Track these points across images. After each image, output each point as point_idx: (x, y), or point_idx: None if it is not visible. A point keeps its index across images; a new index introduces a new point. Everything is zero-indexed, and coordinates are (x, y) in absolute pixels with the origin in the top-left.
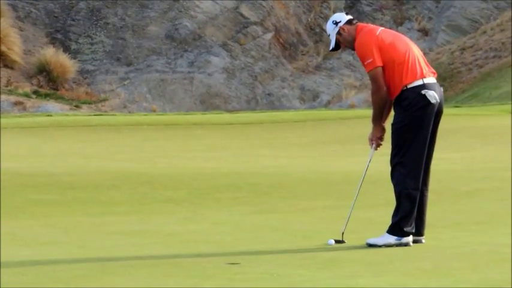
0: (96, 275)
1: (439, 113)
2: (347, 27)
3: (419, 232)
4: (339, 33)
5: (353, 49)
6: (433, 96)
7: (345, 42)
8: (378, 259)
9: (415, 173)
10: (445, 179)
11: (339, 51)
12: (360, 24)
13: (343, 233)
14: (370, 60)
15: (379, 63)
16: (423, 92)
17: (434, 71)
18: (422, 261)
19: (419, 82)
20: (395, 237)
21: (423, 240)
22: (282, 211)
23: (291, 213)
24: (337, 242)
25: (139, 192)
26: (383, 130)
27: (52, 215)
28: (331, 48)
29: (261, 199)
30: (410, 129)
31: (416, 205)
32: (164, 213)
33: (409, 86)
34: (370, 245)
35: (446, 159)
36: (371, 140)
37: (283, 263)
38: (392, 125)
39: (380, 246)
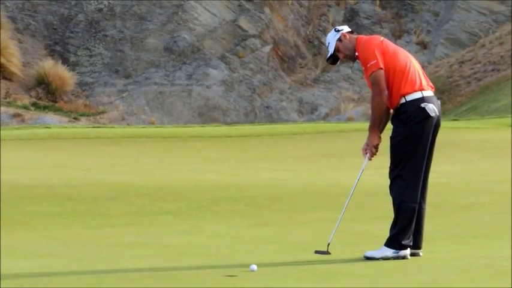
0: (94, 287)
1: (437, 127)
2: (348, 35)
3: (417, 245)
4: (339, 39)
5: (352, 59)
6: (433, 109)
7: (344, 50)
8: (375, 272)
9: (413, 186)
10: (443, 192)
11: (337, 64)
12: (361, 35)
13: (328, 244)
14: (373, 62)
15: (382, 65)
16: (423, 105)
17: (432, 85)
18: (420, 274)
19: (418, 95)
20: (393, 250)
21: (421, 254)
22: (280, 224)
23: (289, 226)
24: (322, 253)
25: (138, 205)
26: (379, 138)
27: (50, 227)
28: (328, 55)
29: (259, 212)
30: (409, 142)
31: (415, 218)
32: (162, 226)
33: (408, 99)
34: (368, 258)
35: (445, 172)
36: (365, 150)
37: (281, 276)
38: (391, 138)
39: (378, 259)
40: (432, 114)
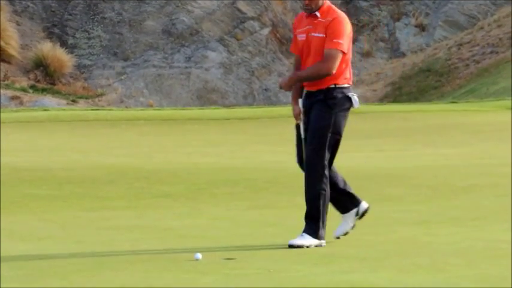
0: (92, 269)
1: None
2: None
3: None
4: None
5: (312, 11)
6: (357, 101)
7: (310, 6)
8: (374, 255)
9: (325, 174)
10: (442, 174)
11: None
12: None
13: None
14: (343, 43)
15: (346, 50)
16: (350, 94)
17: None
18: (419, 257)
19: (347, 85)
20: (316, 237)
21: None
22: (279, 206)
23: (288, 209)
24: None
25: (136, 187)
26: (297, 108)
27: (49, 210)
28: None
29: (258, 194)
30: (330, 129)
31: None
32: (161, 208)
33: (337, 86)
34: (293, 246)
35: (443, 154)
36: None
37: (279, 259)
38: (314, 122)
39: (307, 246)
40: (356, 105)
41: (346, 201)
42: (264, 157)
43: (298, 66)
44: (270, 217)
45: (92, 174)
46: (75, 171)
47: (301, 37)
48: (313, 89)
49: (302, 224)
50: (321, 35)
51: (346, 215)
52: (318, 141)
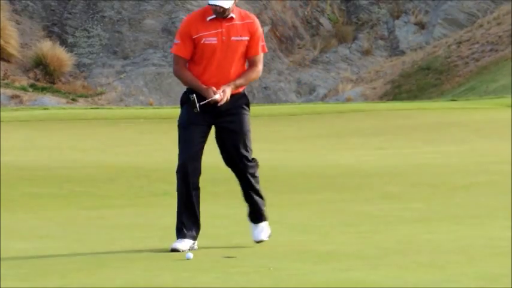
0: (92, 268)
1: None
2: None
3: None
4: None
5: (222, 15)
6: None
7: (228, 11)
8: (374, 253)
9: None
10: (442, 172)
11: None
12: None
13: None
14: (264, 44)
15: None
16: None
17: None
18: (419, 255)
19: None
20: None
21: None
22: (278, 204)
23: (287, 207)
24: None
25: (136, 186)
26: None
27: (49, 209)
28: (226, 6)
29: None
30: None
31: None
32: (161, 207)
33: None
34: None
35: (443, 152)
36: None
37: (279, 257)
38: (244, 125)
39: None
40: None
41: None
42: (264, 155)
43: (186, 69)
44: (269, 215)
45: (91, 172)
46: (75, 170)
47: (211, 41)
48: (233, 92)
49: (302, 221)
50: (245, 38)
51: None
52: (249, 145)
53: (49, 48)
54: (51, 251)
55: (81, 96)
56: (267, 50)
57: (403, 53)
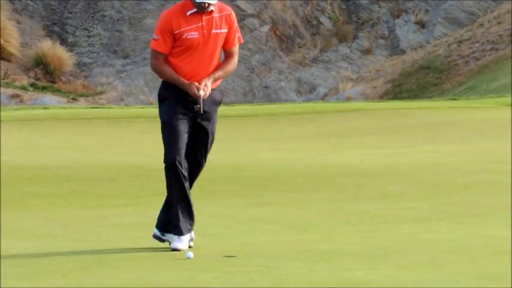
0: (92, 267)
1: None
2: None
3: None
4: None
5: (202, 9)
6: None
7: (213, 6)
8: (374, 252)
9: None
10: (442, 171)
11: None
12: None
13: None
14: (240, 35)
15: None
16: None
17: None
18: (419, 254)
19: None
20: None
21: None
22: (278, 204)
23: (287, 206)
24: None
25: (136, 185)
26: None
27: (49, 208)
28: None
29: (257, 192)
30: None
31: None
32: (161, 206)
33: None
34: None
35: (443, 151)
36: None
37: (280, 256)
38: (214, 123)
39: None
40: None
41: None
42: (264, 154)
43: (167, 63)
44: (269, 214)
45: (92, 172)
46: (75, 169)
47: (193, 35)
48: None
49: (302, 221)
50: (224, 30)
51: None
52: (211, 147)
53: (49, 47)
54: (51, 250)
55: (81, 95)
56: (242, 41)
57: (403, 52)
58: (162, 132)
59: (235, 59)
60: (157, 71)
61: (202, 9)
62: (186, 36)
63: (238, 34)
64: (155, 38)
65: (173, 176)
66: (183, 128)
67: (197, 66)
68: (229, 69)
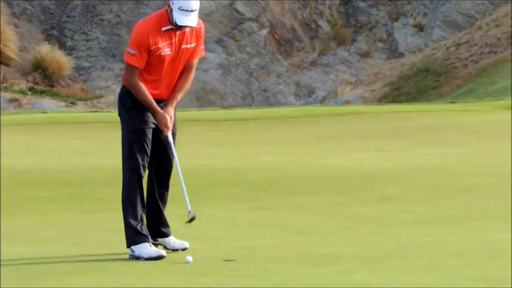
0: (91, 272)
1: None
2: None
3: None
4: None
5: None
6: None
7: None
8: (373, 255)
9: None
10: (441, 174)
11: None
12: None
13: (189, 212)
14: (203, 48)
15: None
16: None
17: None
18: (418, 258)
19: None
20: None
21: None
22: (277, 207)
23: (286, 210)
24: (191, 220)
25: None
26: None
27: (48, 212)
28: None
29: (256, 195)
30: None
31: None
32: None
33: None
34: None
35: (442, 155)
36: (166, 126)
37: (279, 260)
38: (175, 126)
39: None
40: None
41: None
42: (263, 158)
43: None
44: (269, 218)
45: (90, 176)
46: (74, 174)
47: (166, 51)
48: (166, 97)
49: (301, 224)
50: (193, 45)
51: None
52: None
53: (48, 51)
54: (50, 254)
55: (80, 99)
56: (204, 54)
57: (402, 55)
58: (129, 138)
59: (193, 75)
60: (132, 86)
61: (179, 28)
62: (159, 52)
63: (202, 47)
64: (132, 52)
65: (136, 185)
66: (149, 138)
67: (164, 81)
68: (188, 88)
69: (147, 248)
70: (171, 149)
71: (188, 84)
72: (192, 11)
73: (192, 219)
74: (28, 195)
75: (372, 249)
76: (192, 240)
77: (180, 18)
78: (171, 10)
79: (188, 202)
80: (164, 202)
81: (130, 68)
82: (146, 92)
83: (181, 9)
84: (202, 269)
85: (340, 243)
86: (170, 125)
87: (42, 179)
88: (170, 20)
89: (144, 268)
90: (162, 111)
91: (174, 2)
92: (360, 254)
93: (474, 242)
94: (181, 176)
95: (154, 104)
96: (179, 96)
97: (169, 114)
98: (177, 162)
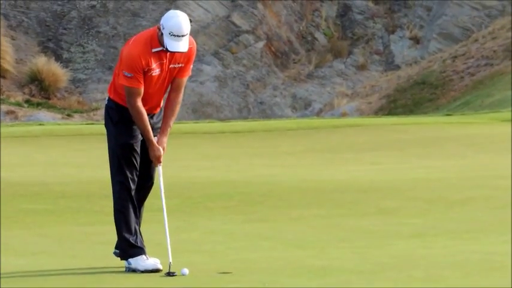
0: (87, 284)
1: None
2: None
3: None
4: None
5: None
6: None
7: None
8: (369, 268)
9: None
10: (437, 187)
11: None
12: None
13: (170, 264)
14: (191, 67)
15: None
16: None
17: None
18: (414, 270)
19: None
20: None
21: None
22: (274, 220)
23: (283, 222)
24: (169, 274)
25: None
26: None
27: (44, 225)
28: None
29: (253, 208)
30: None
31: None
32: (156, 223)
33: None
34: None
35: (439, 167)
36: (159, 161)
37: (275, 272)
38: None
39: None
40: None
41: None
42: (259, 170)
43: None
44: (265, 230)
45: (87, 188)
46: (70, 186)
47: (156, 72)
48: (156, 111)
49: (297, 237)
50: (181, 65)
51: None
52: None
53: (44, 63)
54: (46, 267)
55: (76, 111)
56: (190, 73)
57: (398, 67)
58: (117, 153)
59: (181, 95)
60: (135, 111)
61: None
62: (151, 73)
63: (191, 65)
64: (128, 76)
65: (128, 198)
66: (137, 152)
67: (151, 100)
68: (178, 110)
69: (143, 261)
70: (159, 181)
71: (178, 106)
72: (183, 36)
73: (170, 274)
74: (24, 208)
75: (368, 262)
76: (188, 252)
77: (171, 44)
78: (162, 34)
79: (170, 251)
80: (140, 217)
81: (130, 91)
82: (146, 120)
83: (172, 34)
84: (198, 282)
85: (336, 255)
86: (162, 158)
87: (38, 191)
88: (161, 43)
89: (140, 281)
90: (157, 144)
91: (164, 26)
92: (356, 267)
93: (471, 255)
94: (165, 216)
95: (151, 134)
96: (171, 122)
97: (163, 145)
98: (163, 197)
